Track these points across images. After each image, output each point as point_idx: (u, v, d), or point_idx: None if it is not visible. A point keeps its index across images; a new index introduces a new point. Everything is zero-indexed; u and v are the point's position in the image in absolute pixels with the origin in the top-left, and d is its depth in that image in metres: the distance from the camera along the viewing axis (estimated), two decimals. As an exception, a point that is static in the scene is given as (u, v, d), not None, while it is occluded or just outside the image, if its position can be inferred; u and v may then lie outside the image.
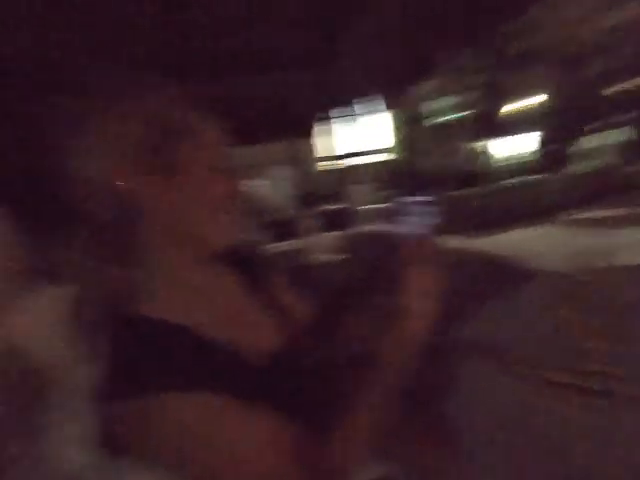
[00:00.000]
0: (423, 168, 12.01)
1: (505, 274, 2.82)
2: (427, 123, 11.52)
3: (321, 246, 4.41)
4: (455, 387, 0.61)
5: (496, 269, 3.04)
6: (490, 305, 0.86)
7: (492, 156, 13.13)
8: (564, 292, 0.64)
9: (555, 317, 0.68)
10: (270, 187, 10.80)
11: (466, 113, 11.96)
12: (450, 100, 11.83)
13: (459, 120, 11.70)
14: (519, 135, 12.34)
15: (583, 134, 10.48)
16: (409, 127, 11.76)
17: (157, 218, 0.50)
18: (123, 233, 0.49)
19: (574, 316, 0.54)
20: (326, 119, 5.28)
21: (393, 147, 12.31)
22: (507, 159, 11.81)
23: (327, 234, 5.36)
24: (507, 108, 10.11)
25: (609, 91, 8.03)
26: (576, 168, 10.29)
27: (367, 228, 5.52)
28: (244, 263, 0.65)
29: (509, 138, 11.82)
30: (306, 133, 5.58)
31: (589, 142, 11.73)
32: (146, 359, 0.44)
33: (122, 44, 2.86)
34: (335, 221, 5.33)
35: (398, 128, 12.08)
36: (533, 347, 0.65)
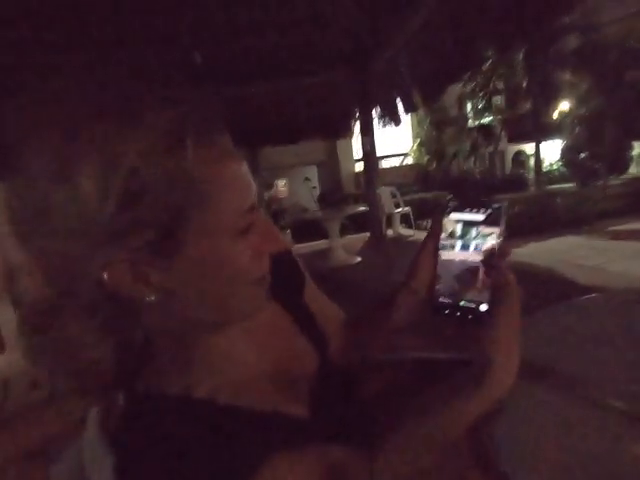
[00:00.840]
0: (452, 172, 11.77)
1: (543, 287, 2.68)
2: (456, 127, 11.29)
3: (346, 248, 4.37)
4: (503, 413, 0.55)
5: (537, 281, 2.90)
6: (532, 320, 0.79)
7: (526, 162, 12.70)
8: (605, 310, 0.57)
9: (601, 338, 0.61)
10: (297, 187, 10.86)
11: (494, 117, 11.64)
12: (478, 104, 11.51)
13: (487, 124, 11.38)
14: (553, 141, 11.86)
15: (629, 140, 9.93)
16: (438, 130, 11.55)
17: (159, 310, 0.36)
18: (122, 328, 0.37)
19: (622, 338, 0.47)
20: (356, 121, 5.23)
21: (421, 150, 12.15)
22: (542, 166, 11.39)
23: (353, 236, 5.31)
24: (544, 112, 9.74)
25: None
26: (617, 177, 9.79)
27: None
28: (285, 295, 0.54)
29: (546, 144, 11.38)
30: (334, 134, 5.54)
31: (635, 149, 11.10)
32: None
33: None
34: (361, 224, 5.27)
35: (427, 131, 11.90)
36: (580, 368, 0.58)
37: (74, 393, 0.39)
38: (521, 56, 7.65)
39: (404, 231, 5.53)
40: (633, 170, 11.41)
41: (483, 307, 0.39)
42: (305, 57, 3.89)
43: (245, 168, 0.38)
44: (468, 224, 0.41)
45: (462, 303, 0.40)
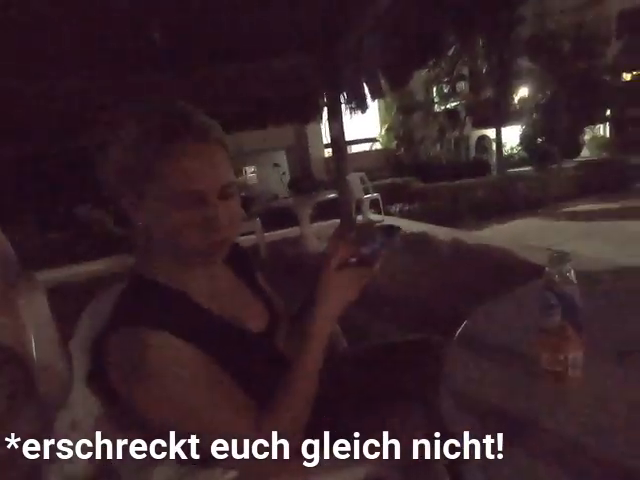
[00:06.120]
0: (420, 157, 12.00)
1: (503, 268, 2.84)
2: (423, 112, 11.47)
3: (317, 235, 4.39)
4: (446, 381, 0.62)
5: (493, 262, 3.07)
6: (488, 300, 0.85)
7: (489, 147, 13.16)
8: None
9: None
10: (264, 174, 10.69)
11: (459, 102, 11.93)
12: (443, 90, 11.74)
13: (452, 110, 11.65)
14: (514, 126, 12.34)
15: (581, 126, 10.49)
16: (405, 115, 11.69)
17: (141, 225, 0.61)
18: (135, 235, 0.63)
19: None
20: (323, 106, 5.19)
21: (389, 135, 12.25)
22: (503, 150, 11.85)
23: (322, 223, 5.34)
24: (504, 98, 10.07)
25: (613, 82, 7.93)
26: (571, 161, 10.37)
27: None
28: (236, 258, 0.75)
29: (507, 129, 11.82)
30: (302, 119, 5.48)
31: (586, 134, 11.74)
32: (150, 306, 0.59)
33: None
34: (332, 210, 5.29)
35: (395, 116, 12.00)
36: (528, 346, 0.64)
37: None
38: (482, 43, 7.83)
39: (373, 217, 5.61)
40: (585, 153, 12.14)
41: None
42: (271, 39, 3.80)
43: (198, 163, 0.57)
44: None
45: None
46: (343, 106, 4.72)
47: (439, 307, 2.17)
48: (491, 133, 11.80)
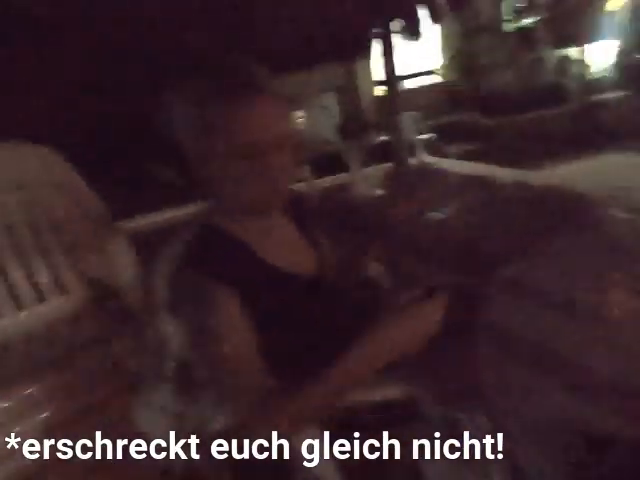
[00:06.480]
0: (486, 88, 10.71)
1: (572, 212, 2.56)
2: (490, 32, 9.99)
3: (367, 180, 4.29)
4: (491, 323, 0.61)
5: (560, 207, 2.77)
6: (551, 245, 0.80)
7: (567, 70, 11.30)
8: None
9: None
10: (314, 117, 10.38)
11: (534, 19, 10.14)
12: (515, 4, 10.02)
13: (526, 29, 9.98)
14: (604, 41, 10.32)
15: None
16: (470, 40, 10.28)
17: (205, 178, 0.69)
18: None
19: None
20: (374, 38, 4.75)
21: (452, 66, 10.97)
22: (588, 72, 10.11)
23: (375, 167, 5.17)
24: (594, 5, 8.35)
25: None
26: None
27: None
28: (292, 207, 0.80)
29: (589, 46, 9.96)
30: (352, 57, 5.12)
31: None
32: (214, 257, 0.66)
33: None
34: (383, 153, 5.08)
35: (459, 43, 10.62)
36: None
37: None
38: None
39: (428, 159, 5.29)
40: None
41: None
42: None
43: (252, 114, 0.61)
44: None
45: None
46: (394, 38, 4.30)
47: (490, 252, 2.09)
48: (574, 53, 10.05)
